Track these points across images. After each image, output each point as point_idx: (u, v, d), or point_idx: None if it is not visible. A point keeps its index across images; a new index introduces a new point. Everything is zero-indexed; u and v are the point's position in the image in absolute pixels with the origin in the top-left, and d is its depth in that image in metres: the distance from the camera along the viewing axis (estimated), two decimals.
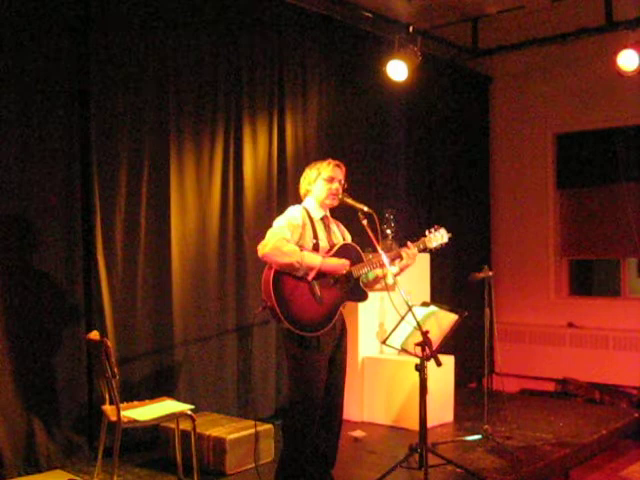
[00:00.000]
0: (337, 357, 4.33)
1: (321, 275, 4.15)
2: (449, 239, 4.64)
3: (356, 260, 4.33)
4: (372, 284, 4.47)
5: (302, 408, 4.16)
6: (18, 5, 4.72)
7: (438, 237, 4.58)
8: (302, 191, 4.45)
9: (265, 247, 4.05)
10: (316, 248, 4.24)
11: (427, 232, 4.60)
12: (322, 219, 4.38)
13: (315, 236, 4.27)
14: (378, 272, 4.42)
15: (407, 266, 4.44)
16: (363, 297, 4.42)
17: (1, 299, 4.68)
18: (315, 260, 4.12)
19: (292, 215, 4.26)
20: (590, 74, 8.09)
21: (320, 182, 4.33)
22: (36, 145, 4.84)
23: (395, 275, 4.39)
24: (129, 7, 5.27)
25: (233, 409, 5.90)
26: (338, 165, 4.38)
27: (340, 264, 4.22)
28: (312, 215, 4.33)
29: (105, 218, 5.14)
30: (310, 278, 4.12)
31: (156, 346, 5.46)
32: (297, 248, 4.10)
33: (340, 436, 4.47)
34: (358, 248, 4.43)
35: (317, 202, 4.37)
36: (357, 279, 4.31)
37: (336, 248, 4.32)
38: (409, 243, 4.46)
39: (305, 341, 4.12)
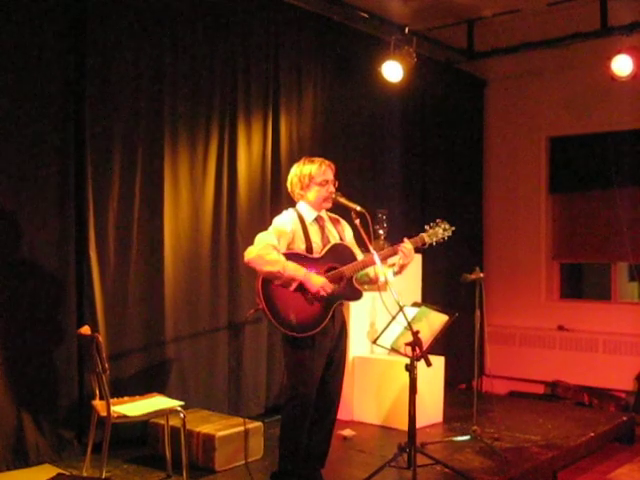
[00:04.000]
0: (335, 357, 4.32)
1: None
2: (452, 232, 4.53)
3: (348, 260, 4.30)
4: (365, 283, 4.46)
5: (294, 405, 4.17)
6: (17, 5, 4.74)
7: (439, 231, 4.48)
8: (294, 196, 4.39)
9: (250, 253, 4.06)
10: (309, 251, 4.22)
11: (426, 227, 4.49)
12: (316, 220, 4.34)
13: (307, 239, 4.23)
14: (370, 272, 4.39)
15: (406, 264, 4.33)
16: (357, 296, 4.37)
17: None
18: (298, 272, 4.06)
19: (281, 221, 4.23)
20: (584, 78, 8.11)
21: (314, 188, 4.28)
22: (30, 140, 4.82)
23: (396, 274, 4.31)
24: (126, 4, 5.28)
25: (223, 406, 5.90)
26: (329, 165, 4.34)
27: (320, 284, 4.10)
28: (305, 218, 4.29)
29: (98, 214, 5.13)
30: (292, 289, 4.07)
31: (147, 342, 5.46)
32: (281, 257, 4.05)
33: (332, 435, 4.48)
34: (350, 247, 4.40)
35: (311, 205, 4.33)
36: (350, 278, 4.28)
37: (325, 250, 4.27)
38: (405, 239, 4.39)
39: (300, 341, 4.11)
